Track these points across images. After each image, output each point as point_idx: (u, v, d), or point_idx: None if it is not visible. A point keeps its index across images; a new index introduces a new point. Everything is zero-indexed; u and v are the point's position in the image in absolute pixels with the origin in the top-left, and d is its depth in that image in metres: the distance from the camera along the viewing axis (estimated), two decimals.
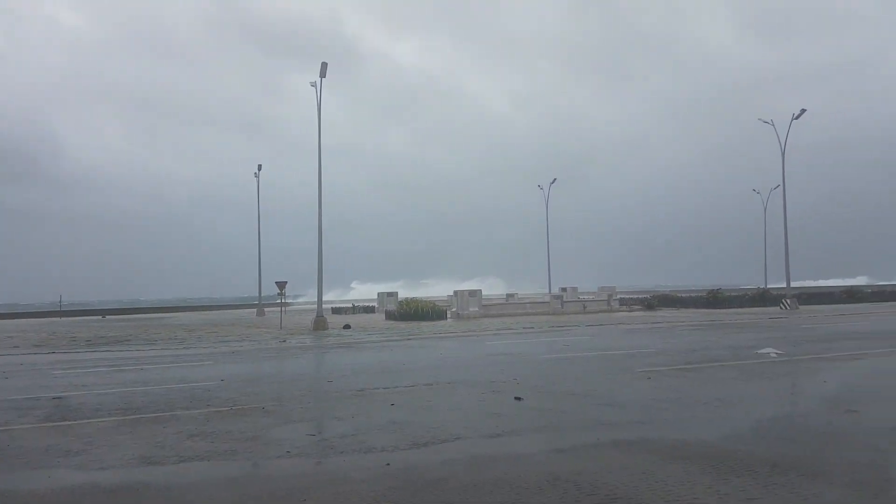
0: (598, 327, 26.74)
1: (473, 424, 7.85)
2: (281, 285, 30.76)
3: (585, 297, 45.79)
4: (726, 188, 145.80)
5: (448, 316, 36.16)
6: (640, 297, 49.18)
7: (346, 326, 29.65)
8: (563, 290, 46.62)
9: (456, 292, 37.91)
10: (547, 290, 55.04)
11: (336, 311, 46.74)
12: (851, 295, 48.90)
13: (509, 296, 55.43)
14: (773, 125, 42.61)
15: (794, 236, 67.82)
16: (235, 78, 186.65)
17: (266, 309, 49.73)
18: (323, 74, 30.79)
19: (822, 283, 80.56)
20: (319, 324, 28.93)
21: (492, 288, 69.65)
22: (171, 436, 7.70)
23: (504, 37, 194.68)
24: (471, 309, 36.10)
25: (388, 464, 6.18)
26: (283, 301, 32.57)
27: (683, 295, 52.51)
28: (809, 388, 10.50)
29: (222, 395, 10.65)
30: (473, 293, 37.27)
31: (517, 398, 9.54)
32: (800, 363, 13.38)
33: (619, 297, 45.31)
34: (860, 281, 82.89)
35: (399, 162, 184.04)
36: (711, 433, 7.16)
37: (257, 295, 51.42)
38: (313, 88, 31.02)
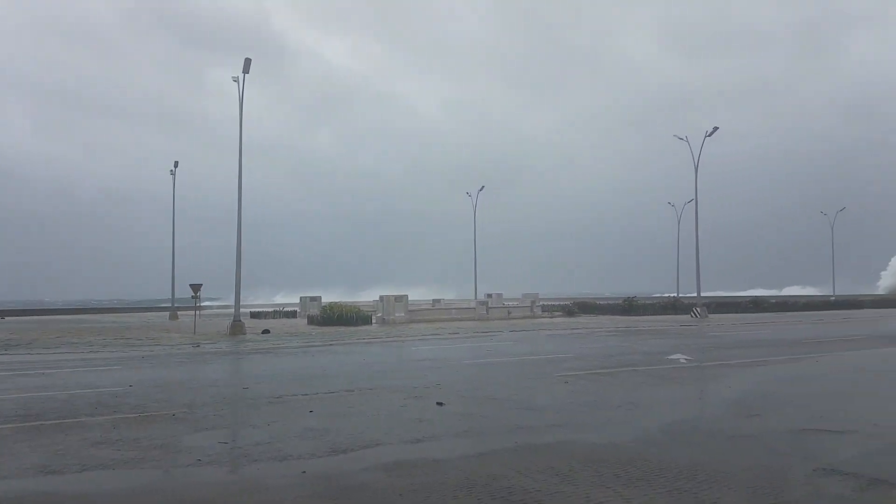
0: (521, 333, 27.21)
1: (394, 430, 7.80)
2: (195, 288, 29.67)
3: (510, 303, 46.64)
4: (646, 200, 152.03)
5: (373, 321, 35.88)
6: (562, 303, 50.45)
7: (265, 331, 28.86)
8: (489, 296, 47.31)
9: (382, 297, 37.65)
10: (474, 296, 55.64)
11: (255, 315, 45.47)
12: (757, 305, 51.93)
13: (436, 301, 55.64)
14: (688, 141, 44.79)
15: (706, 248, 71.62)
16: (153, 69, 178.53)
17: (180, 312, 47.82)
18: (246, 70, 30.00)
19: (739, 293, 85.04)
20: (236, 328, 28.04)
21: (440, 293, 69.55)
22: (74, 444, 7.28)
23: (436, 43, 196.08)
24: (397, 314, 35.95)
25: (305, 471, 6.06)
26: (197, 304, 31.44)
27: (602, 302, 54.26)
28: (716, 393, 11.03)
29: (131, 402, 10.16)
30: (399, 298, 37.13)
31: (439, 403, 9.56)
32: (707, 369, 14.05)
33: (541, 303, 46.40)
34: (768, 292, 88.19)
35: (328, 163, 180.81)
36: (624, 436, 7.40)
37: (171, 297, 49.47)
38: (236, 84, 30.21)
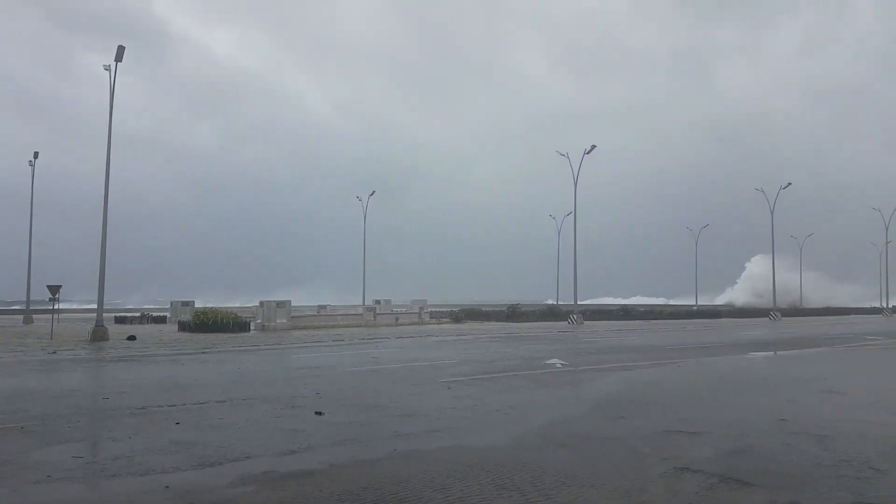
0: (408, 339, 27.23)
1: (267, 442, 7.48)
2: (54, 289, 27.27)
3: (399, 309, 46.55)
4: (531, 210, 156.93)
5: (252, 328, 34.48)
6: (450, 310, 51.20)
7: (131, 337, 26.94)
8: (377, 302, 46.95)
9: (262, 303, 36.28)
10: (362, 302, 55.06)
11: (120, 320, 42.46)
12: (627, 313, 55.46)
13: (321, 307, 54.48)
14: (568, 157, 46.94)
15: (589, 258, 75.24)
16: (14, 49, 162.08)
17: (36, 316, 43.81)
18: (119, 59, 28.05)
19: (622, 301, 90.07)
20: (98, 334, 25.98)
21: (329, 299, 67.62)
22: None
23: (329, 41, 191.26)
24: (278, 321, 34.76)
25: (168, 486, 5.68)
26: (55, 307, 28.94)
27: (487, 309, 55.64)
28: (587, 396, 11.53)
29: None
30: (282, 304, 35.94)
31: (318, 413, 9.30)
32: (580, 373, 14.69)
33: (430, 310, 46.73)
34: (641, 301, 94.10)
35: (210, 160, 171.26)
36: (502, 440, 7.55)
37: (26, 300, 45.22)
38: (108, 71, 28.20)
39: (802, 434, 7.82)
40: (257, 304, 37.71)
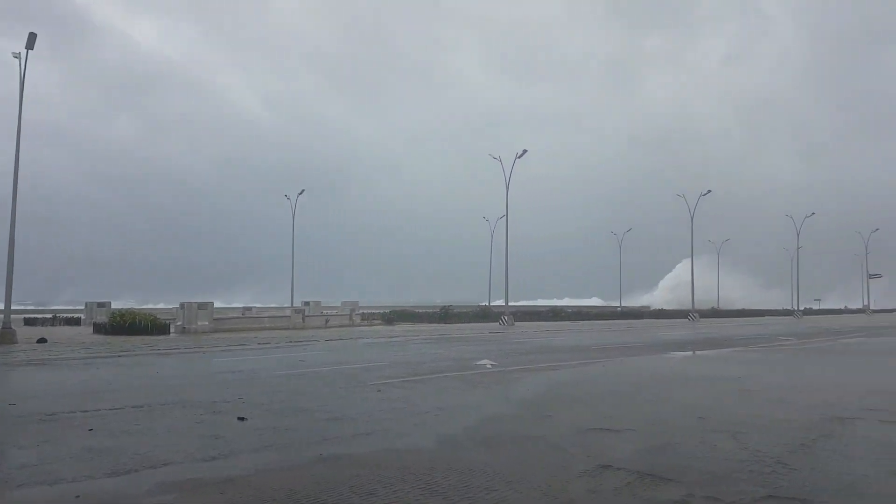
0: (338, 341, 26.86)
1: (187, 448, 7.19)
2: None
3: (329, 311, 45.90)
4: (464, 213, 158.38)
5: (172, 330, 33.16)
6: (381, 311, 50.93)
7: (41, 340, 25.50)
8: (307, 303, 46.17)
9: (183, 304, 34.98)
10: (290, 304, 54.00)
11: (30, 321, 40.08)
12: (556, 314, 56.78)
13: (246, 309, 53.08)
14: (501, 161, 47.64)
15: (521, 260, 76.51)
16: None
17: None
18: (30, 46, 26.45)
19: (551, 302, 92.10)
20: (5, 336, 24.44)
21: (256, 301, 65.98)
22: None
23: (260, 37, 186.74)
24: (200, 323, 33.58)
25: (79, 496, 5.40)
26: None
27: (420, 310, 55.73)
28: (516, 396, 11.66)
29: None
30: (203, 305, 34.74)
31: (241, 418, 9.02)
32: (510, 373, 14.87)
33: (361, 311, 46.32)
34: (574, 302, 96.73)
35: (128, 154, 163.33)
36: (431, 442, 7.54)
37: None
38: (18, 59, 26.56)
39: (718, 431, 8.15)
40: (177, 306, 36.40)
